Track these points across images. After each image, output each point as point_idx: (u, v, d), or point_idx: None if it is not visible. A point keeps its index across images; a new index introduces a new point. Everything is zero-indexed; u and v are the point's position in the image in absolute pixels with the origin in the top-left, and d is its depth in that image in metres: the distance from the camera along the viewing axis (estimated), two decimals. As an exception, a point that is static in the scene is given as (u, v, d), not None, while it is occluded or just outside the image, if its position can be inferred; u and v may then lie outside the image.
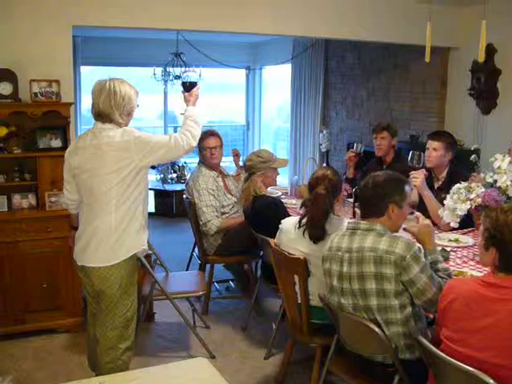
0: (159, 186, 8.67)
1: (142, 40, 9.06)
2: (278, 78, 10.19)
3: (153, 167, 9.00)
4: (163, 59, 8.46)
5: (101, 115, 2.84)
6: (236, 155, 5.30)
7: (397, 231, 2.63)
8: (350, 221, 3.17)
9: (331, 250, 2.64)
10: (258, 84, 10.91)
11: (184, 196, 4.81)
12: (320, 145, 8.12)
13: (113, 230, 2.83)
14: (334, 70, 7.94)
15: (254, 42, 10.28)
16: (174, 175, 9.06)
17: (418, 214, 2.82)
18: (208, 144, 4.63)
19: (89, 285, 2.93)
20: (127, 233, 2.86)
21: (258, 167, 4.12)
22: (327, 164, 6.07)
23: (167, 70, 8.51)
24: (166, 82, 8.62)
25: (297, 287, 3.12)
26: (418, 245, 2.62)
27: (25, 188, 4.13)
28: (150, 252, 4.12)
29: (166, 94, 10.18)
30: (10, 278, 3.95)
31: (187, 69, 8.14)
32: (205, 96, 10.98)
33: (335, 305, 2.64)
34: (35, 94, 3.98)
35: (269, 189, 4.32)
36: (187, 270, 5.35)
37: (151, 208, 8.57)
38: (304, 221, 3.10)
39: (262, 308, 4.68)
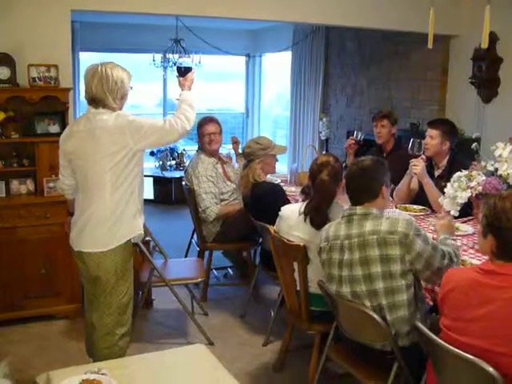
0: (158, 173, 8.66)
1: (141, 26, 9.01)
2: (278, 66, 10.13)
3: (152, 153, 8.99)
4: (163, 46, 8.41)
5: (94, 100, 2.82)
6: (235, 142, 5.27)
7: (385, 209, 2.74)
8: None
9: (328, 240, 2.65)
10: (258, 71, 10.86)
11: (183, 183, 4.80)
12: (320, 133, 8.10)
13: (108, 214, 2.81)
14: (335, 57, 7.90)
15: (254, 29, 10.22)
16: (173, 162, 9.03)
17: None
18: (207, 130, 4.61)
19: (85, 270, 2.92)
20: (123, 218, 2.84)
21: (256, 154, 4.11)
22: (327, 152, 6.07)
23: (166, 56, 8.47)
24: (165, 68, 8.58)
25: (296, 274, 3.11)
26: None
27: (23, 174, 4.11)
28: (149, 238, 4.12)
29: (165, 80, 10.13)
30: (8, 264, 3.94)
31: (183, 55, 8.08)
32: (204, 83, 10.89)
33: (334, 293, 2.64)
34: (33, 78, 3.95)
35: (268, 176, 4.31)
36: (186, 257, 5.34)
37: (150, 195, 8.57)
38: (304, 207, 3.09)
39: (261, 295, 4.68)
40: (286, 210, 3.25)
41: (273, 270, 3.54)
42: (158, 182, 8.59)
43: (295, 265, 3.08)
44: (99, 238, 2.83)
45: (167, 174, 8.58)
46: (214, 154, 4.68)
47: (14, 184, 4.08)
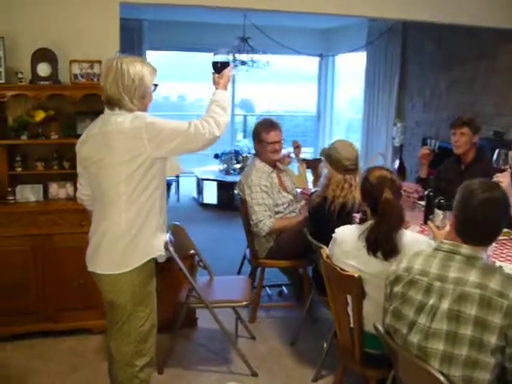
0: (221, 177, 8.33)
1: (208, 25, 8.79)
2: (351, 67, 9.64)
3: (216, 156, 8.68)
4: (230, 45, 8.10)
5: (109, 101, 2.44)
6: (296, 147, 4.83)
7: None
8: (429, 239, 2.67)
9: (410, 272, 2.08)
10: (331, 72, 10.41)
11: (235, 191, 4.39)
12: (393, 139, 7.54)
13: (123, 232, 2.44)
14: (412, 58, 7.35)
15: (327, 28, 9.78)
16: (238, 166, 8.68)
17: None
18: (272, 138, 4.18)
19: (101, 293, 2.58)
20: (140, 236, 2.47)
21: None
22: (400, 161, 5.51)
23: (235, 55, 8.17)
24: (235, 67, 8.28)
25: (349, 308, 2.65)
26: None
27: (63, 177, 3.85)
28: (193, 252, 3.76)
29: (233, 81, 9.84)
30: (42, 274, 3.69)
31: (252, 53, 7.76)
32: (274, 84, 10.62)
33: (398, 338, 2.13)
34: (75, 75, 3.68)
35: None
36: (239, 272, 4.96)
37: (213, 200, 8.27)
38: (368, 234, 2.58)
39: (316, 318, 4.20)
40: (340, 233, 2.75)
41: (326, 295, 3.07)
42: (222, 186, 8.26)
43: (349, 298, 2.61)
44: (113, 258, 2.47)
45: (230, 179, 8.22)
46: (273, 163, 4.26)
47: (53, 187, 3.83)
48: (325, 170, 3.56)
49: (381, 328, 2.21)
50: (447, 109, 6.58)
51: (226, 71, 2.63)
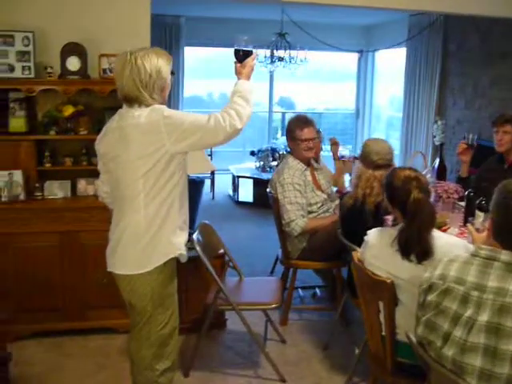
0: (257, 175, 8.22)
1: (246, 20, 8.66)
2: (392, 63, 9.41)
3: (252, 153, 8.58)
4: (268, 41, 7.98)
5: (127, 99, 2.34)
6: (334, 144, 4.68)
7: None
8: (467, 242, 2.50)
9: (445, 280, 1.90)
10: (370, 69, 10.21)
11: (267, 190, 4.27)
12: (434, 137, 7.29)
13: (142, 230, 2.35)
14: (454, 53, 7.10)
15: (367, 24, 9.59)
16: (274, 163, 8.55)
17: None
18: (306, 135, 4.03)
19: (121, 293, 2.49)
20: (160, 235, 2.36)
21: (387, 158, 3.40)
22: (441, 160, 5.28)
23: (272, 52, 8.05)
24: (272, 63, 8.16)
25: (381, 316, 2.50)
26: None
27: (92, 173, 3.78)
28: (222, 251, 3.66)
29: (271, 77, 9.71)
30: (69, 271, 3.65)
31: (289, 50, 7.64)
32: (313, 82, 10.50)
33: (432, 350, 1.96)
34: (104, 70, 3.62)
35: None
36: (272, 272, 4.85)
37: (249, 198, 8.16)
38: (399, 237, 2.41)
39: (350, 321, 4.04)
40: (372, 236, 2.59)
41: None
42: (258, 183, 8.14)
43: (381, 305, 2.46)
44: (132, 258, 2.38)
45: (266, 176, 8.10)
46: (306, 160, 4.12)
47: (82, 184, 3.78)
48: (357, 168, 3.42)
49: (413, 338, 2.06)
50: (490, 106, 6.33)
51: (249, 60, 2.50)
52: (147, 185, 2.31)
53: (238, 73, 2.50)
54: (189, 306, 3.70)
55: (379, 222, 3.03)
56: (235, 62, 2.53)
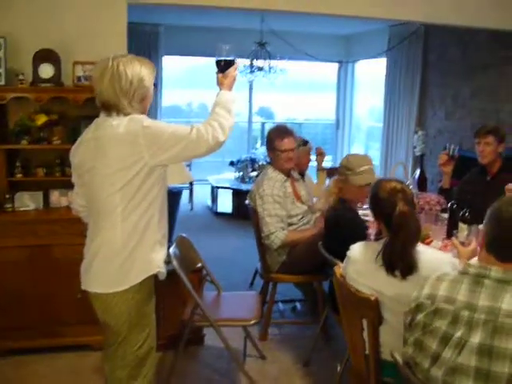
0: (236, 185, 8.12)
1: (225, 29, 8.58)
2: (372, 74, 9.40)
3: (231, 163, 8.49)
4: (248, 51, 7.92)
5: (105, 106, 2.23)
6: (320, 154, 4.61)
7: None
8: (453, 256, 2.44)
9: (434, 300, 1.82)
10: (350, 79, 10.19)
11: (246, 201, 4.17)
12: (414, 147, 7.29)
13: (119, 246, 2.23)
14: (434, 64, 7.11)
15: (346, 34, 9.58)
16: (254, 174, 8.47)
17: None
18: (286, 145, 3.94)
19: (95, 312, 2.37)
20: (138, 251, 2.25)
21: (340, 171, 3.46)
22: (421, 170, 5.24)
23: (252, 62, 7.98)
24: (252, 73, 8.09)
25: (365, 334, 2.41)
26: None
27: (65, 184, 3.66)
28: (200, 265, 3.55)
29: (251, 87, 9.64)
30: (42, 286, 3.50)
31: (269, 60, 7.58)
32: (293, 92, 10.43)
33: (419, 372, 1.88)
34: (78, 77, 3.51)
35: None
36: (251, 285, 4.75)
37: (228, 209, 8.06)
38: (382, 253, 2.32)
39: (332, 337, 3.95)
40: (355, 250, 2.50)
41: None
42: (237, 194, 8.04)
43: (364, 323, 2.37)
44: (108, 275, 2.26)
45: (246, 187, 8.00)
46: (287, 171, 4.04)
47: (55, 195, 3.66)
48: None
49: (399, 358, 1.97)
50: (471, 117, 6.33)
51: (231, 70, 2.41)
52: (125, 198, 2.20)
53: (219, 83, 2.42)
54: (165, 322, 3.56)
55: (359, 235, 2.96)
56: (217, 73, 2.44)
